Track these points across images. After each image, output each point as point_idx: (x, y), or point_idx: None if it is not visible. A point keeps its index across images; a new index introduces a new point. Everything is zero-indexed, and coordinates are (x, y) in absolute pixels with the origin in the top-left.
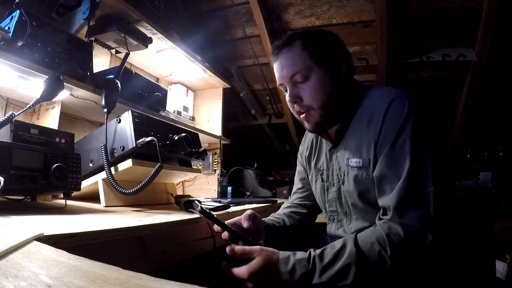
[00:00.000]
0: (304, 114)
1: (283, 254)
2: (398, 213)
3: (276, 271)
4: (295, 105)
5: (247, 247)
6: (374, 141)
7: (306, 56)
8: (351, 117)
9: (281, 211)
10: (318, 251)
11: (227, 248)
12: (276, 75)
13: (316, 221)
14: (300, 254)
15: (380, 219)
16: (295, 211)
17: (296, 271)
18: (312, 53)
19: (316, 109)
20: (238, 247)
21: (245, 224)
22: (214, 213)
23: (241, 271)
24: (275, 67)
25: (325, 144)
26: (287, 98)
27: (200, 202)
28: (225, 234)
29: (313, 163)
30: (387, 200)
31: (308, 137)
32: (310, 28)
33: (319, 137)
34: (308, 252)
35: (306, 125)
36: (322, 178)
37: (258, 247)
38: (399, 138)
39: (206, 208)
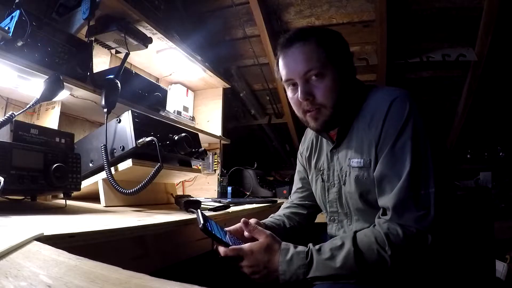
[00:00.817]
0: (313, 112)
1: (284, 245)
2: (397, 213)
3: (276, 258)
4: (305, 103)
5: (259, 227)
6: (375, 141)
7: (321, 54)
8: (353, 118)
9: (281, 212)
10: (317, 246)
11: (243, 219)
12: (285, 69)
13: (316, 221)
14: (300, 247)
15: (379, 218)
16: (295, 211)
17: (293, 262)
18: (327, 52)
19: (328, 107)
20: (252, 225)
21: (246, 234)
22: (214, 213)
23: (243, 247)
24: (284, 61)
25: (326, 144)
26: (297, 95)
27: (205, 217)
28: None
29: (313, 163)
30: (387, 200)
31: (308, 136)
32: None
33: (319, 137)
34: (308, 246)
35: (313, 123)
36: (322, 179)
37: (268, 231)
38: (400, 138)
39: (207, 208)
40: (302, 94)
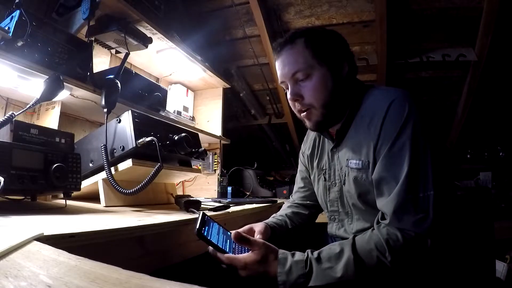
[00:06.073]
0: (305, 113)
1: (282, 254)
2: (396, 217)
3: (272, 269)
4: (296, 103)
5: (252, 238)
6: (373, 143)
7: (308, 54)
8: (353, 117)
9: (283, 212)
10: (316, 253)
11: (233, 233)
12: (278, 72)
13: (317, 220)
14: (298, 256)
15: (378, 222)
16: (297, 211)
17: (293, 272)
18: (315, 52)
19: (317, 107)
20: (245, 236)
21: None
22: (214, 213)
23: (236, 258)
24: (277, 64)
25: (327, 144)
26: (288, 96)
27: (206, 220)
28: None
29: (315, 163)
30: (385, 203)
31: (311, 136)
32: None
33: (322, 136)
34: (306, 253)
35: (307, 123)
36: (324, 178)
37: (262, 241)
38: (398, 140)
39: (207, 208)
40: (290, 95)
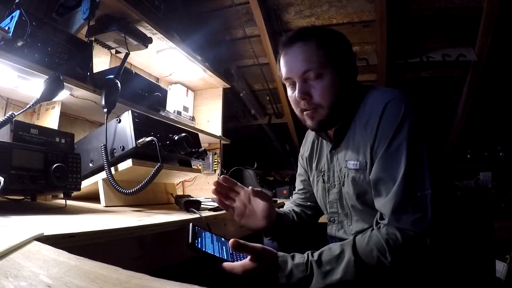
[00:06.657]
0: (309, 111)
1: (281, 257)
2: (395, 217)
3: (273, 273)
4: (302, 102)
5: (250, 244)
6: (370, 143)
7: (321, 54)
8: (351, 118)
9: (290, 207)
10: (316, 255)
11: (231, 241)
12: (285, 68)
13: (320, 220)
14: (298, 258)
15: (377, 223)
16: (301, 210)
17: (293, 275)
18: (327, 52)
19: (325, 107)
20: (242, 244)
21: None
22: (214, 213)
23: (235, 266)
24: (285, 59)
25: (326, 145)
26: (295, 94)
27: (198, 231)
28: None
29: (314, 165)
30: (383, 204)
31: (309, 138)
32: None
33: (320, 138)
34: (306, 256)
35: (309, 122)
36: (323, 180)
37: (260, 245)
38: (395, 140)
39: (207, 208)
40: (299, 94)
